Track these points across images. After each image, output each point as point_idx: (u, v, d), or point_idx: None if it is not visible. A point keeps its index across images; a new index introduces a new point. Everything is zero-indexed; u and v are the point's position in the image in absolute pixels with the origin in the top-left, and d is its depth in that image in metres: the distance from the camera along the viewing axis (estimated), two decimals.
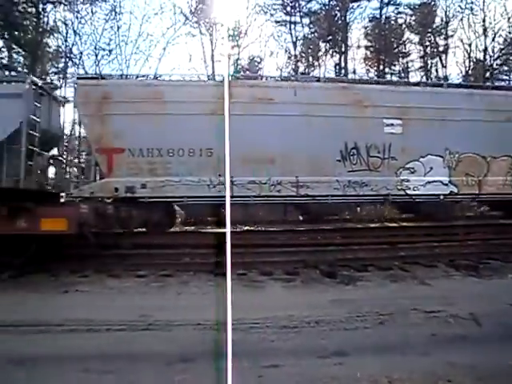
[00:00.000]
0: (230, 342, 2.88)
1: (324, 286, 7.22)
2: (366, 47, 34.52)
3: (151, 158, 11.51)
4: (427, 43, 32.87)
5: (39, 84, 11.23)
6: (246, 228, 13.51)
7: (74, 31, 27.84)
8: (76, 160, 13.28)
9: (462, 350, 4.23)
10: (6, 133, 10.62)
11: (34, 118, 10.48)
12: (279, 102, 11.65)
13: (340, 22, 30.39)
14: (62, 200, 9.40)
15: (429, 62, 33.30)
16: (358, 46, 34.15)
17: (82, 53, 28.08)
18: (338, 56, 31.57)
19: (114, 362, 4.01)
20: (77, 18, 27.94)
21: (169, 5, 33.10)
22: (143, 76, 15.85)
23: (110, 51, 27.90)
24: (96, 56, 27.79)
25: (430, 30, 31.88)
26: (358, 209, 16.44)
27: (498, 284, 7.39)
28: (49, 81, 12.52)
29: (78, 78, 12.66)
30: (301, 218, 14.96)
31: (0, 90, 11.15)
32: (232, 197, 11.38)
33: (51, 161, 11.92)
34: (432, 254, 9.71)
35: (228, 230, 2.97)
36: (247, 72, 32.31)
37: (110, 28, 27.88)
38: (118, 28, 27.83)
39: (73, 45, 28.11)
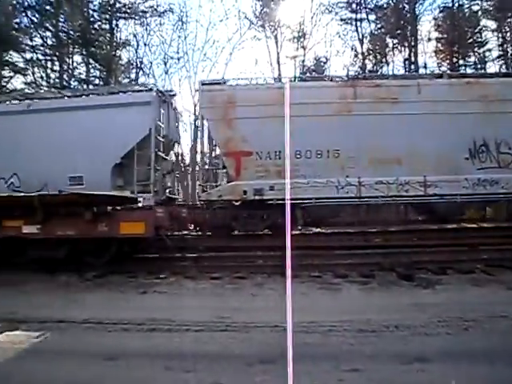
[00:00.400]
0: (291, 343, 2.83)
1: (401, 289, 7.00)
2: (438, 39, 32.93)
3: (278, 161, 11.76)
4: (507, 29, 30.72)
5: (162, 91, 12.07)
6: (317, 230, 13.36)
7: (144, 43, 29.14)
8: (202, 164, 13.73)
9: None
10: (136, 139, 11.57)
11: (160, 124, 11.33)
12: (403, 101, 11.67)
13: (408, 15, 29.31)
14: (140, 204, 9.78)
15: (509, 49, 31.10)
16: (429, 39, 32.68)
17: (151, 63, 29.42)
18: (407, 51, 30.48)
19: (194, 361, 4.10)
20: (146, 30, 29.23)
21: (233, 10, 33.60)
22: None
23: (179, 59, 28.93)
24: (165, 65, 28.92)
25: (509, 15, 29.76)
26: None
27: None
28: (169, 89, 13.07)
29: (202, 84, 13.13)
30: (420, 218, 14.69)
31: (130, 98, 12.09)
32: (359, 197, 11.81)
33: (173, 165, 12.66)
34: None
35: (288, 232, 2.94)
36: (313, 73, 32.17)
37: (177, 37, 28.93)
38: (186, 37, 28.82)
39: (143, 56, 29.42)
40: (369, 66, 31.51)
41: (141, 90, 12.59)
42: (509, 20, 30.07)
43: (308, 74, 29.96)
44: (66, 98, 13.39)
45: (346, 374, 3.72)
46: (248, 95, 12.02)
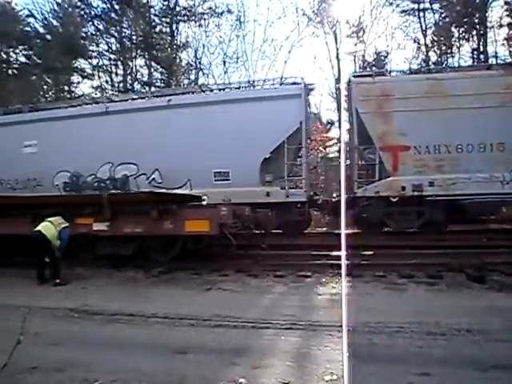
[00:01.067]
0: (346, 344, 2.77)
1: (472, 292, 6.67)
2: (510, 25, 31.00)
3: (438, 155, 11.57)
4: None
5: (307, 84, 12.40)
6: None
7: (203, 44, 29.67)
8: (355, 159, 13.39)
9: None
10: (287, 133, 11.83)
11: (308, 117, 11.83)
12: None
13: (477, 1, 27.79)
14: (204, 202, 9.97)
15: None
16: (500, 25, 30.81)
17: (211, 63, 29.83)
18: (475, 40, 28.94)
19: (261, 357, 4.14)
20: (205, 31, 29.75)
21: (291, 8, 33.38)
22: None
23: (237, 59, 29.18)
24: (224, 64, 29.28)
25: None
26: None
27: None
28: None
29: (353, 77, 13.08)
30: None
31: (280, 91, 12.35)
32: None
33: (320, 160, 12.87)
34: None
35: (343, 231, 2.88)
36: (374, 68, 31.37)
37: (235, 37, 29.18)
38: (244, 36, 29.01)
39: (202, 57, 29.97)
40: (433, 59, 30.27)
41: (288, 83, 12.75)
42: None
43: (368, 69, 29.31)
44: (211, 92, 13.98)
45: (415, 378, 3.61)
46: (402, 87, 11.74)
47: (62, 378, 3.76)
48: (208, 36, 29.87)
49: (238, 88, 13.79)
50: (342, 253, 7.91)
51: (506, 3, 29.57)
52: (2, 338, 4.24)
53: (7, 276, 8.88)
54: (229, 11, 29.43)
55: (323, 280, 7.70)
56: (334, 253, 9.14)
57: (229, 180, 12.34)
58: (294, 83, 12.61)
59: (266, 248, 10.02)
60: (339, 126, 29.24)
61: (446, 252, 9.28)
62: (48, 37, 29.36)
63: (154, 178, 13.36)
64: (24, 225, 9.16)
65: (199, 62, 30.26)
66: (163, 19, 30.37)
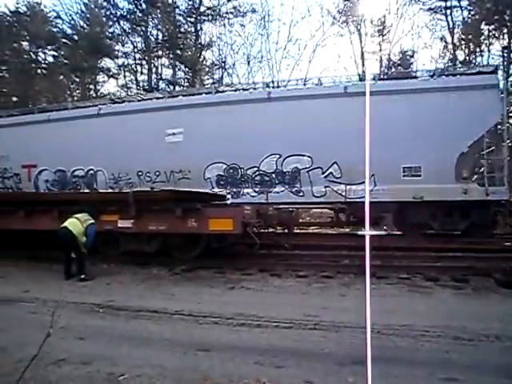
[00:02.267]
0: (369, 347, 2.73)
1: (500, 297, 6.51)
2: None
3: None
4: None
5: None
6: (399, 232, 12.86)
7: (228, 43, 29.80)
8: None
9: None
10: (487, 126, 11.32)
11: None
12: None
13: None
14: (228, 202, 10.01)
15: None
16: None
17: (235, 63, 29.96)
18: (506, 38, 28.22)
19: (284, 357, 4.13)
20: (229, 31, 29.87)
21: (316, 7, 33.27)
22: None
23: (261, 58, 29.23)
24: (248, 64, 29.36)
25: None
26: None
27: None
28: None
29: None
30: None
31: (476, 80, 11.52)
32: None
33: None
34: None
35: (367, 232, 2.83)
36: (399, 68, 30.98)
37: (260, 36, 29.23)
38: (268, 35, 29.05)
39: (226, 56, 30.11)
40: (460, 58, 29.69)
41: (482, 72, 11.95)
42: None
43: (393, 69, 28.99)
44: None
45: (441, 383, 3.55)
46: None
47: (89, 370, 3.82)
48: (232, 35, 30.02)
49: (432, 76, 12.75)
50: (367, 254, 7.76)
51: None
52: (33, 331, 4.35)
53: (35, 271, 9.10)
54: (253, 11, 29.54)
55: (346, 280, 7.67)
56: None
57: (419, 176, 11.60)
58: (489, 72, 11.83)
59: (288, 248, 9.99)
60: None
61: (470, 256, 9.09)
62: (75, 37, 29.97)
63: (331, 173, 12.40)
64: (51, 221, 9.35)
65: (223, 62, 30.44)
66: (188, 19, 30.69)
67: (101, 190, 13.71)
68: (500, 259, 8.53)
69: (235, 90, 14.95)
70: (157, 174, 14.03)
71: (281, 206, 11.42)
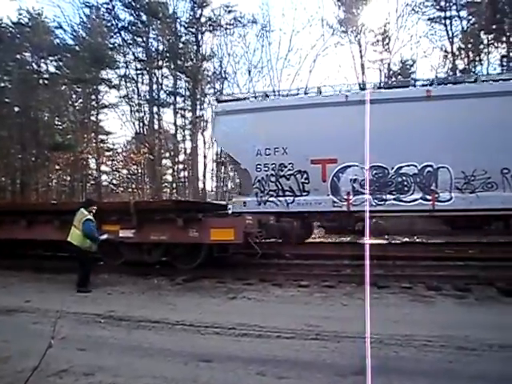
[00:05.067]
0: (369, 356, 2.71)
1: (503, 306, 6.48)
2: None
3: None
4: None
5: None
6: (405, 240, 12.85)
7: (228, 53, 29.98)
8: None
9: None
10: None
11: None
12: None
13: (507, 6, 27.32)
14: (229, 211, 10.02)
15: None
16: None
17: (236, 72, 30.13)
18: (505, 47, 28.42)
19: (287, 368, 4.11)
20: (230, 41, 30.06)
21: (317, 17, 33.45)
22: None
23: (262, 68, 29.39)
24: (249, 74, 29.52)
25: None
26: None
27: None
28: None
29: None
30: None
31: None
32: None
33: None
34: None
35: (367, 241, 2.83)
36: (399, 77, 31.06)
37: (261, 46, 29.41)
38: (269, 45, 29.22)
39: (227, 66, 30.28)
40: (460, 67, 29.86)
41: None
42: None
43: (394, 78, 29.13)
44: None
45: None
46: None
47: (91, 381, 3.81)
48: (233, 45, 30.22)
49: None
50: (366, 263, 7.76)
51: None
52: (34, 341, 4.35)
53: (38, 281, 9.09)
54: (254, 21, 29.74)
55: (348, 290, 7.64)
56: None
57: None
58: None
59: (290, 257, 9.97)
60: None
61: (474, 264, 9.07)
62: (76, 48, 30.16)
63: None
64: (52, 231, 9.35)
65: (224, 72, 30.60)
66: (189, 29, 30.91)
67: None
68: (503, 268, 8.49)
69: None
70: None
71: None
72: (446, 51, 30.07)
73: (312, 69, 29.34)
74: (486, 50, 29.37)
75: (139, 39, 30.24)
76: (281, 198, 12.32)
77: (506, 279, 7.62)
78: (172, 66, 30.88)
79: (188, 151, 33.11)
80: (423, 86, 12.30)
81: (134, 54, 30.56)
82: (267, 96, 13.67)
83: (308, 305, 6.77)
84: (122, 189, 37.04)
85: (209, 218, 8.89)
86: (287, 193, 12.34)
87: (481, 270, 8.43)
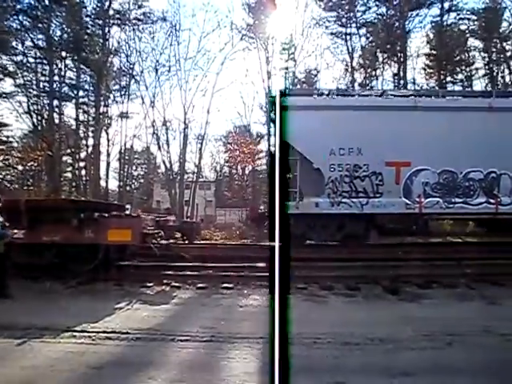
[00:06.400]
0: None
1: (387, 303, 7.03)
2: (427, 56, 33.68)
3: None
4: (493, 49, 31.53)
5: None
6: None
7: (136, 50, 29.14)
8: None
9: None
10: None
11: None
12: None
13: (399, 31, 29.84)
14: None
15: (494, 68, 31.87)
16: (418, 55, 33.38)
17: (143, 70, 29.36)
18: (396, 66, 30.97)
19: (180, 371, 4.09)
20: (138, 37, 29.25)
21: (227, 21, 33.69)
22: None
23: (170, 67, 28.95)
24: (156, 72, 28.93)
25: (495, 36, 30.56)
26: None
27: None
28: None
29: None
30: None
31: None
32: None
33: None
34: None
35: (277, 244, 2.94)
36: (304, 85, 32.38)
37: (169, 45, 28.95)
38: (178, 44, 28.88)
39: (134, 63, 29.44)
40: (358, 80, 31.93)
41: None
42: (495, 40, 30.92)
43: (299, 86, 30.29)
44: None
45: None
46: None
47: None
48: (141, 42, 29.43)
49: None
50: (264, 265, 7.97)
51: (424, 36, 32.16)
52: None
53: None
54: (164, 19, 29.23)
55: (245, 292, 7.75)
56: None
57: None
58: None
59: (190, 259, 9.88)
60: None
61: (362, 265, 9.60)
62: None
63: None
64: None
65: (131, 68, 29.68)
66: (96, 21, 29.62)
67: None
68: (388, 267, 9.15)
69: None
70: None
71: None
72: (346, 65, 31.99)
73: (220, 71, 29.44)
74: (381, 67, 31.77)
75: (40, 25, 28.26)
76: (354, 200, 12.40)
77: (389, 278, 8.24)
78: (75, 58, 29.37)
79: (90, 149, 31.63)
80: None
81: (33, 40, 28.52)
82: (338, 94, 13.40)
83: (205, 307, 6.77)
84: (16, 186, 34.25)
85: (106, 219, 8.57)
86: (360, 194, 12.44)
87: (368, 270, 8.99)
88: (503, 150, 12.10)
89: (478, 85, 32.78)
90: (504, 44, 30.89)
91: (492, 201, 12.61)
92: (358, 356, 4.51)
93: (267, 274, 8.16)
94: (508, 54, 30.74)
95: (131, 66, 29.82)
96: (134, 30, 29.57)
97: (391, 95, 13.54)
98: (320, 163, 12.46)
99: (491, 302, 6.97)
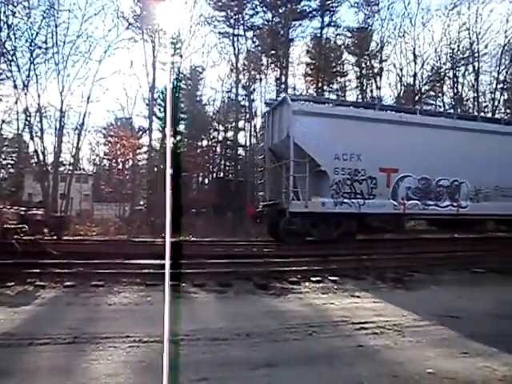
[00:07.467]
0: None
1: (257, 298, 7.26)
2: (307, 64, 35.76)
3: None
4: (363, 65, 34.55)
5: None
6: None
7: (8, 24, 26.33)
8: None
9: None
10: None
11: None
12: None
13: (282, 38, 31.11)
14: None
15: (364, 82, 34.97)
16: (299, 63, 35.29)
17: (15, 48, 26.68)
18: (279, 71, 32.25)
19: (37, 378, 3.84)
20: (12, 11, 26.49)
21: (112, 7, 31.99)
22: None
23: (47, 49, 26.73)
24: (31, 53, 26.52)
25: (366, 53, 33.54)
26: None
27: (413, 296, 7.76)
28: None
29: None
30: None
31: None
32: None
33: None
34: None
35: (168, 240, 2.93)
36: (189, 81, 32.19)
37: (46, 26, 26.69)
38: (57, 26, 26.72)
39: (6, 39, 26.60)
40: (243, 81, 32.61)
41: None
42: (365, 57, 33.98)
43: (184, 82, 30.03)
44: None
45: None
46: None
47: None
48: (15, 17, 26.56)
49: None
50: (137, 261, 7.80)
51: (305, 45, 34.19)
52: None
53: None
54: None
55: (115, 289, 7.50)
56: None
57: None
58: None
59: (57, 255, 9.28)
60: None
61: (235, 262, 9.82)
62: None
63: None
64: None
65: (2, 46, 26.72)
66: None
67: None
68: (258, 264, 9.52)
69: None
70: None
71: None
72: (232, 65, 32.50)
73: (102, 59, 27.82)
74: (264, 71, 32.88)
75: None
76: (354, 200, 14.14)
77: (260, 274, 8.60)
78: None
79: None
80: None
81: None
82: (342, 105, 16.14)
83: (71, 306, 6.42)
84: None
85: None
86: (358, 196, 14.23)
87: (240, 267, 9.22)
88: (464, 161, 15.04)
89: (351, 96, 35.75)
90: (372, 61, 34.04)
91: (455, 204, 15.45)
92: (225, 351, 4.60)
93: (139, 271, 8.13)
94: (375, 70, 33.88)
95: (2, 44, 26.88)
96: (5, 2, 26.70)
97: (383, 109, 16.69)
98: (326, 166, 14.08)
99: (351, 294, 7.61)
